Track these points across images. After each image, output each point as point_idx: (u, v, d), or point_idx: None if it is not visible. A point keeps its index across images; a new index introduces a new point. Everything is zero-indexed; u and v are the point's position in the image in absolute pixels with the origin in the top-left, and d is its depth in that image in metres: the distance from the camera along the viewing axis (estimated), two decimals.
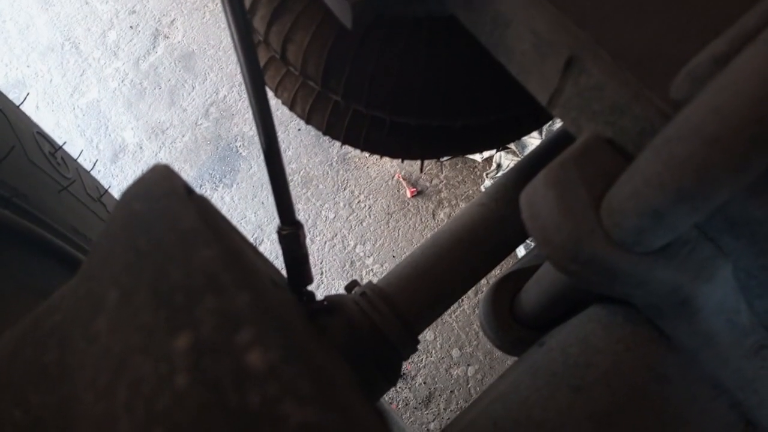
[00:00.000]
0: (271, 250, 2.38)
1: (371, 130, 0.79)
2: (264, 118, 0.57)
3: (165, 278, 0.28)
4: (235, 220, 2.41)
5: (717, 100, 0.31)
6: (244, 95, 2.58)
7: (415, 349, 0.83)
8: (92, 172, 2.32)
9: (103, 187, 1.35)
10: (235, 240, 0.36)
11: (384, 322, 0.77)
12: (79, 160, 1.45)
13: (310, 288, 0.71)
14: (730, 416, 0.49)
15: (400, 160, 0.82)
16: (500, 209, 0.85)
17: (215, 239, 0.29)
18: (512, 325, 0.81)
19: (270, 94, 0.68)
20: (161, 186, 0.36)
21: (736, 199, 0.39)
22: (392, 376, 0.80)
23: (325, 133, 0.82)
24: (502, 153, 2.33)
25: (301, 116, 0.82)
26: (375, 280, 0.86)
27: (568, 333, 0.57)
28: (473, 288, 1.17)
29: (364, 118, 0.78)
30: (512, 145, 2.30)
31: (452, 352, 2.11)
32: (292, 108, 0.82)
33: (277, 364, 0.22)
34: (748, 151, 0.31)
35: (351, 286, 0.88)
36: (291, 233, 0.64)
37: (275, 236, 2.47)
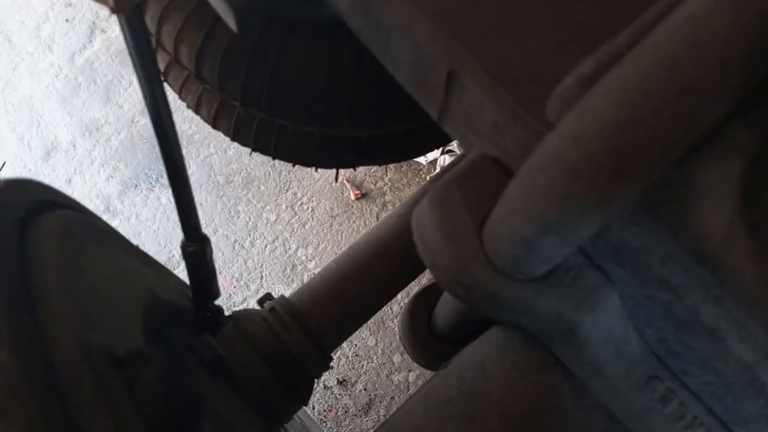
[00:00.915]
0: None
1: (281, 137, 0.75)
2: (162, 124, 0.53)
3: None
4: (170, 222, 2.33)
5: (576, 127, 0.29)
6: None
7: (328, 367, 0.80)
8: (22, 171, 2.22)
9: None
10: (67, 273, 0.32)
11: (292, 341, 0.73)
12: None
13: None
14: None
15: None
16: None
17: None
18: (428, 340, 0.79)
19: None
20: None
21: (615, 227, 0.37)
22: (302, 395, 0.77)
23: (233, 139, 0.78)
24: (446, 156, 2.32)
25: (207, 121, 0.77)
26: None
27: (467, 356, 0.54)
28: None
29: (272, 125, 0.74)
30: (456, 148, 2.29)
31: (393, 358, 2.09)
32: (197, 112, 0.77)
33: None
34: (609, 183, 0.29)
35: (263, 299, 0.84)
36: (196, 249, 0.60)
37: (213, 238, 2.41)
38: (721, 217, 0.30)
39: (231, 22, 0.50)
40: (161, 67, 0.78)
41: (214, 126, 0.76)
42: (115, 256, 0.54)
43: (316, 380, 0.81)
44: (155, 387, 0.25)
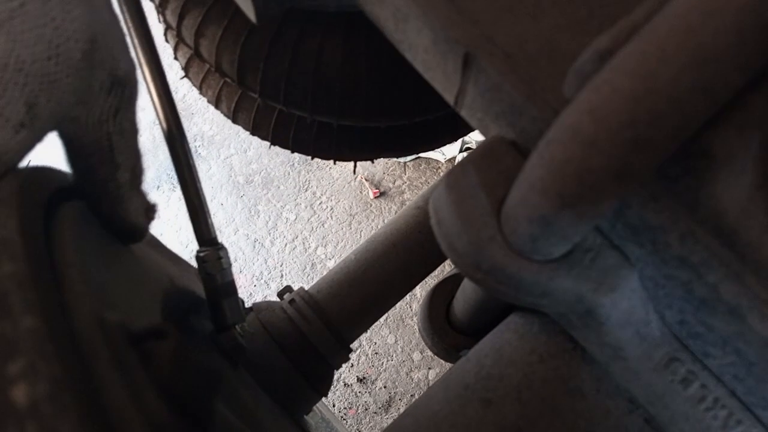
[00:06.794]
0: (233, 252, 2.33)
1: (299, 130, 0.76)
2: (169, 117, 0.53)
3: None
4: None
5: (593, 99, 0.29)
6: None
7: (347, 358, 0.80)
8: None
9: None
10: (79, 259, 0.33)
11: (311, 331, 0.74)
12: None
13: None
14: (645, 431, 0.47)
15: (365, 161, 0.79)
16: None
17: (26, 253, 0.26)
18: (446, 331, 0.79)
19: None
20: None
21: (634, 205, 0.37)
22: (321, 386, 0.77)
23: (252, 133, 0.79)
24: (465, 153, 2.32)
25: (227, 115, 0.78)
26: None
27: (485, 343, 0.55)
28: None
29: (290, 118, 0.74)
30: (474, 145, 2.29)
31: (413, 356, 2.09)
32: (217, 106, 0.78)
33: (41, 401, 0.19)
34: (627, 155, 0.29)
35: (283, 292, 0.85)
36: (209, 254, 0.53)
37: (234, 237, 2.42)
38: (740, 190, 0.30)
39: (251, 14, 0.50)
40: (182, 62, 0.80)
41: (234, 120, 0.77)
42: (133, 245, 0.54)
43: (335, 374, 0.81)
44: (170, 361, 0.26)
